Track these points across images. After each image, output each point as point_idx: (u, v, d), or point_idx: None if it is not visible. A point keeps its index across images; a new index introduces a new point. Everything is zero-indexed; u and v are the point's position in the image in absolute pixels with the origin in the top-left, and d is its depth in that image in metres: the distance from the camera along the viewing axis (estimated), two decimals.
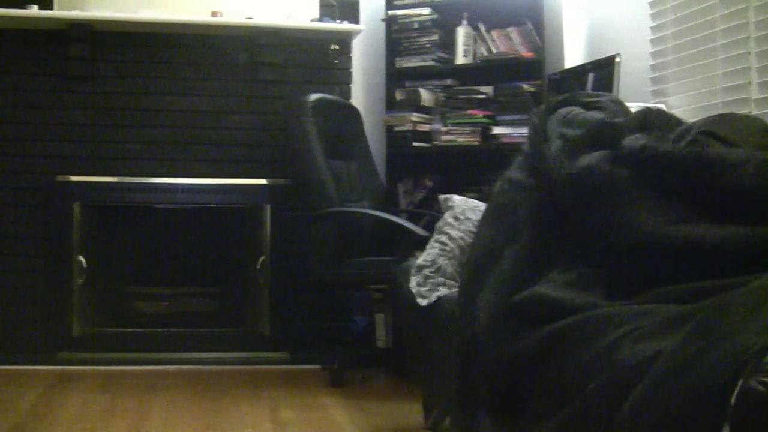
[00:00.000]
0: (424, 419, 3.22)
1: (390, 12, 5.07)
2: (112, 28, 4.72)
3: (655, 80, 4.18)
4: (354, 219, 4.44)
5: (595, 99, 2.44)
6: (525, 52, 4.84)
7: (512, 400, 1.81)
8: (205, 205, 4.91)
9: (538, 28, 4.83)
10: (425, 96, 4.95)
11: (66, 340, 4.62)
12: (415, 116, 4.90)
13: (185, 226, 5.10)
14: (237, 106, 4.89)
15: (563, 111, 2.36)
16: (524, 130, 4.07)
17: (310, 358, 4.63)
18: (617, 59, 4.06)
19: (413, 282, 2.73)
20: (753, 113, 3.37)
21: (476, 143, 4.83)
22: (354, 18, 5.05)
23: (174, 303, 5.08)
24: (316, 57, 4.99)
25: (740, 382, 1.19)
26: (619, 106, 2.42)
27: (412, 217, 4.65)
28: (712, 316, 1.35)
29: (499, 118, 4.80)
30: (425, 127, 4.96)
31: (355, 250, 4.31)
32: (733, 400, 1.19)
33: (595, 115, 2.31)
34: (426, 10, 4.98)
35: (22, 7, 4.50)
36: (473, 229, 2.49)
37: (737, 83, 3.56)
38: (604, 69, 4.17)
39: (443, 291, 2.64)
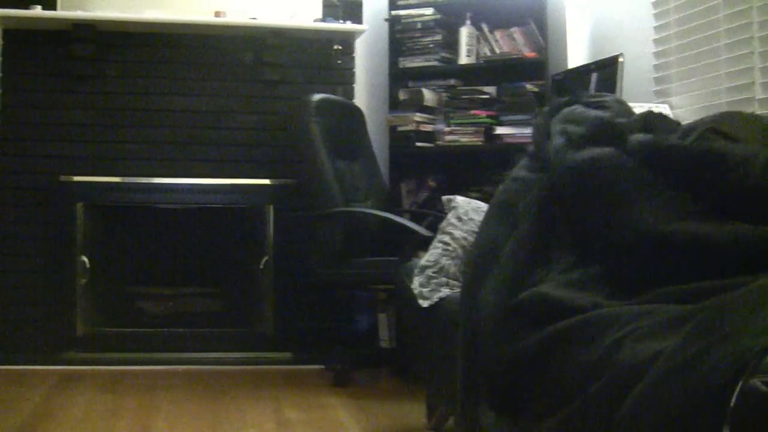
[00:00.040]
0: (427, 419, 3.23)
1: (393, 12, 5.07)
2: (115, 28, 4.72)
3: (658, 80, 4.18)
4: (357, 219, 4.44)
5: (599, 99, 2.44)
6: (528, 53, 4.84)
7: (513, 399, 1.81)
8: (208, 205, 4.91)
9: (541, 29, 4.83)
10: (428, 96, 4.95)
11: (69, 340, 4.62)
12: (418, 116, 4.90)
13: (188, 226, 5.10)
14: (240, 106, 4.90)
15: (567, 110, 2.36)
16: (528, 131, 4.08)
17: (313, 358, 4.64)
18: (620, 59, 4.05)
19: (416, 283, 2.73)
20: (757, 113, 3.37)
21: (479, 143, 4.83)
22: (357, 18, 5.05)
23: (177, 303, 5.08)
24: (319, 57, 5.00)
25: (740, 383, 1.19)
26: (623, 106, 2.42)
27: (415, 218, 4.65)
28: (713, 316, 1.35)
29: (503, 118, 4.79)
30: (428, 127, 4.96)
31: (358, 250, 4.31)
32: (733, 401, 1.19)
33: (599, 113, 2.31)
34: (429, 10, 4.98)
35: (26, 7, 4.50)
36: (476, 230, 2.49)
37: (741, 83, 3.56)
38: (607, 69, 4.17)
39: (445, 292, 2.64)
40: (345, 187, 4.45)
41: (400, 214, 4.59)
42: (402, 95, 5.03)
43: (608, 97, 2.46)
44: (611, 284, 1.82)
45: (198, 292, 5.15)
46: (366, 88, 5.23)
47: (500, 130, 4.75)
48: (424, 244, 3.16)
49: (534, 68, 4.83)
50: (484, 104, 4.87)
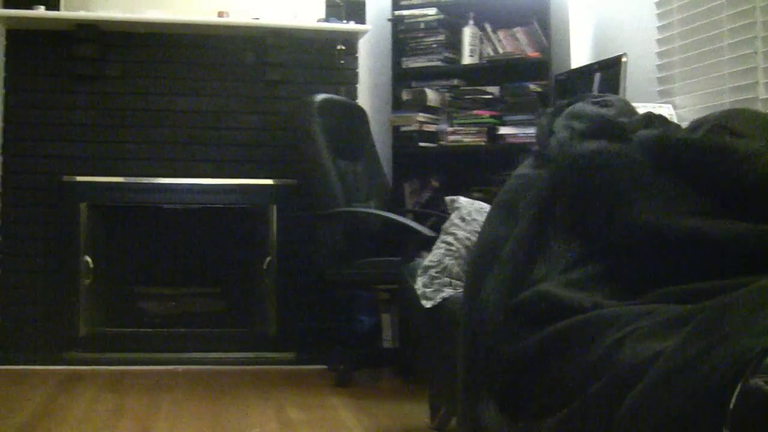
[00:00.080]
0: (430, 419, 3.23)
1: (396, 12, 5.07)
2: (118, 28, 4.73)
3: (661, 80, 4.17)
4: (360, 219, 4.44)
5: (603, 99, 2.44)
6: (531, 52, 4.84)
7: (513, 399, 1.81)
8: (211, 206, 4.92)
9: (545, 29, 4.83)
10: (431, 96, 4.95)
11: (72, 340, 4.63)
12: (421, 116, 4.90)
13: (191, 226, 5.10)
14: (243, 106, 4.90)
15: (571, 107, 2.36)
16: (531, 131, 4.08)
17: (316, 359, 4.64)
18: (624, 59, 4.05)
19: (419, 283, 2.73)
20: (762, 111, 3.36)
21: (482, 143, 4.83)
22: (360, 18, 5.05)
23: (180, 303, 5.08)
24: (322, 57, 5.00)
25: (740, 385, 1.18)
26: (627, 105, 2.42)
27: (419, 218, 4.65)
28: (713, 316, 1.34)
29: (506, 118, 4.79)
30: (431, 128, 4.95)
31: (361, 250, 4.31)
32: (732, 402, 1.18)
33: (603, 110, 2.31)
34: (432, 11, 4.98)
35: (29, 7, 4.51)
36: (479, 230, 2.49)
37: (744, 83, 3.55)
38: (610, 69, 4.16)
39: (448, 292, 2.64)
40: (348, 187, 4.45)
41: (403, 214, 4.58)
42: (405, 95, 5.03)
43: (612, 97, 2.46)
44: (612, 283, 1.82)
45: (200, 293, 5.16)
46: (369, 88, 5.23)
47: (503, 130, 4.75)
48: (427, 244, 3.17)
49: (537, 68, 4.83)
50: (487, 104, 4.87)
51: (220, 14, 4.81)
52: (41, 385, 4.03)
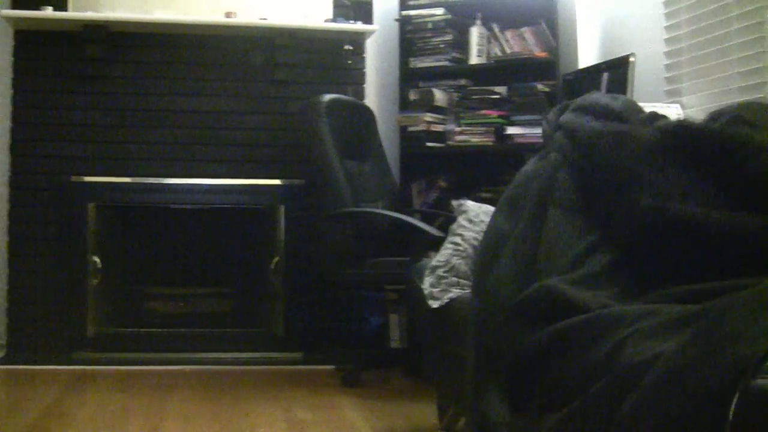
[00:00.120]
0: (438, 419, 3.22)
1: (403, 12, 5.07)
2: (126, 29, 4.74)
3: (669, 80, 4.17)
4: (368, 219, 4.44)
5: (611, 95, 2.44)
6: (539, 52, 4.83)
7: (517, 394, 1.81)
8: (219, 206, 4.92)
9: (552, 28, 4.82)
10: (439, 96, 4.95)
11: (81, 340, 4.64)
12: (428, 116, 4.90)
13: (199, 226, 5.11)
14: (250, 106, 4.90)
15: (580, 98, 2.37)
16: (539, 131, 4.08)
17: (323, 359, 4.64)
18: (631, 59, 4.04)
19: (426, 283, 2.73)
20: None
21: (490, 143, 4.83)
22: (367, 18, 5.06)
23: (188, 303, 5.09)
24: (329, 57, 5.00)
25: (739, 388, 1.18)
26: (634, 104, 2.42)
27: (426, 218, 4.64)
28: (714, 319, 1.34)
29: (513, 118, 4.79)
30: (439, 128, 4.95)
31: (369, 250, 4.30)
32: (732, 407, 1.18)
33: (611, 101, 2.31)
34: (440, 11, 4.98)
35: (38, 8, 4.52)
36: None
37: (753, 83, 3.54)
38: (618, 69, 4.15)
39: (456, 292, 2.64)
40: (355, 187, 4.44)
41: (410, 214, 4.58)
42: (412, 95, 5.02)
43: (619, 96, 2.46)
44: (619, 279, 1.82)
45: (208, 293, 5.16)
46: (376, 89, 5.23)
47: (511, 130, 4.75)
48: (435, 244, 3.16)
49: (545, 68, 4.82)
50: (495, 104, 4.86)
51: (228, 14, 4.81)
52: (49, 385, 4.04)
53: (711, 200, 1.78)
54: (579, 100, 2.33)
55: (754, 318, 1.28)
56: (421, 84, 5.07)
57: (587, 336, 1.61)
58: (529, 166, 2.28)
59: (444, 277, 2.71)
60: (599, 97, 2.33)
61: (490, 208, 2.91)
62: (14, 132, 4.67)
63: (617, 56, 4.25)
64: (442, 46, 4.99)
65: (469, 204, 2.96)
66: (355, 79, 5.04)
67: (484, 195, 4.66)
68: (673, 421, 1.26)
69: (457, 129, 4.91)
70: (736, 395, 1.18)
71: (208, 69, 4.87)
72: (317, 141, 4.35)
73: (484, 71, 5.01)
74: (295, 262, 4.86)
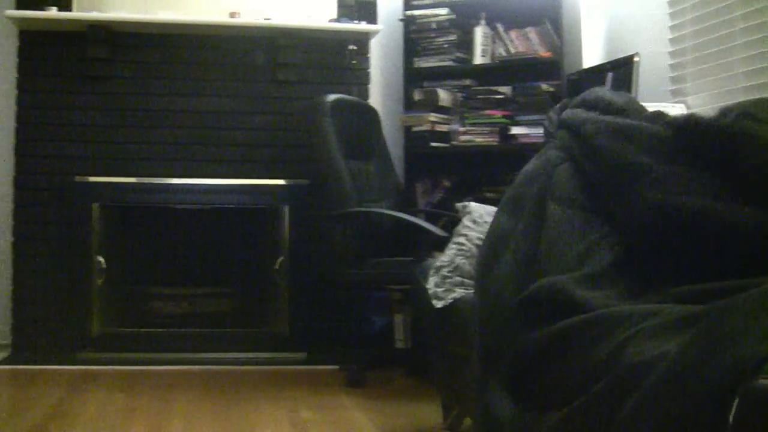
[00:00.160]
0: (443, 419, 3.22)
1: (408, 12, 5.07)
2: (130, 29, 4.74)
3: (674, 80, 4.16)
4: (372, 219, 4.43)
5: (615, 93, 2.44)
6: (543, 52, 4.83)
7: (521, 391, 1.81)
8: (223, 206, 4.93)
9: (556, 28, 4.82)
10: (443, 96, 4.95)
11: (85, 340, 4.64)
12: (433, 116, 4.90)
13: (204, 226, 5.11)
14: (255, 106, 4.91)
15: (583, 93, 2.37)
16: (542, 131, 4.08)
17: (328, 359, 4.64)
18: (636, 59, 4.04)
19: (431, 283, 2.73)
20: None
21: (494, 143, 4.82)
22: (372, 18, 5.06)
23: (193, 303, 5.09)
24: (334, 57, 5.00)
25: (740, 389, 1.18)
26: (638, 103, 2.42)
27: (430, 218, 4.65)
28: (716, 320, 1.34)
29: (518, 118, 4.79)
30: (443, 128, 4.95)
31: (373, 250, 4.30)
32: (733, 408, 1.18)
33: (614, 97, 2.31)
34: (444, 10, 4.98)
35: (42, 8, 4.52)
36: None
37: (757, 82, 3.53)
38: (622, 69, 4.15)
39: (460, 292, 2.64)
40: (360, 187, 4.44)
41: (414, 214, 4.58)
42: (417, 95, 5.03)
43: (622, 93, 2.46)
44: (624, 276, 1.82)
45: (213, 293, 5.17)
46: (381, 89, 5.23)
47: (515, 130, 4.75)
48: (440, 244, 3.16)
49: (549, 68, 4.82)
50: (499, 104, 4.86)
51: (232, 15, 4.81)
52: (54, 385, 4.04)
53: (718, 194, 1.78)
54: (582, 96, 2.33)
55: (756, 319, 1.28)
56: (425, 84, 5.07)
57: (588, 336, 1.61)
58: (531, 165, 2.28)
59: (448, 277, 2.71)
60: (603, 92, 2.33)
61: (494, 209, 2.91)
62: (19, 132, 4.68)
63: (622, 56, 4.26)
64: (446, 46, 4.99)
65: (473, 205, 2.96)
66: (360, 79, 5.04)
67: (488, 195, 4.66)
68: (673, 422, 1.26)
69: (462, 129, 4.91)
70: (737, 397, 1.18)
71: (212, 69, 4.87)
72: (321, 141, 4.35)
73: (488, 71, 5.01)
74: (300, 262, 4.86)
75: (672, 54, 4.17)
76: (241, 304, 5.19)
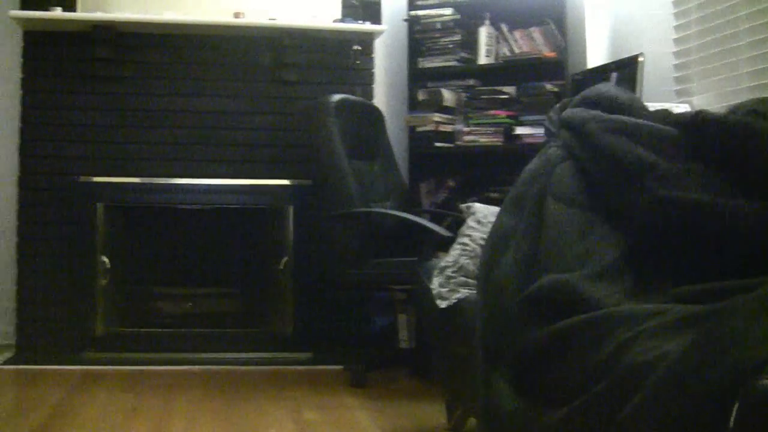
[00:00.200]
0: (446, 419, 3.22)
1: (412, 12, 5.07)
2: (135, 29, 4.74)
3: (679, 80, 4.16)
4: (376, 219, 4.43)
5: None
6: (547, 52, 4.83)
7: (524, 387, 1.81)
8: (228, 206, 4.92)
9: (561, 28, 4.81)
10: (447, 96, 4.95)
11: (89, 340, 4.64)
12: (437, 116, 4.89)
13: (208, 226, 5.11)
14: (259, 106, 4.91)
15: (585, 90, 2.37)
16: (543, 131, 4.08)
17: (332, 359, 4.64)
18: (640, 59, 4.03)
19: (435, 283, 2.73)
20: None
21: (499, 143, 4.82)
22: (376, 18, 5.06)
23: (197, 303, 5.09)
24: (338, 57, 5.00)
25: (741, 390, 1.18)
26: (641, 102, 2.41)
27: (435, 218, 4.64)
28: (718, 321, 1.34)
29: (522, 118, 4.79)
30: (448, 128, 4.95)
31: (377, 250, 4.30)
32: (734, 409, 1.18)
33: (619, 92, 2.31)
34: (448, 11, 4.98)
35: (46, 9, 4.53)
36: None
37: (763, 82, 3.53)
38: (627, 69, 4.15)
39: (464, 292, 2.63)
40: (364, 187, 4.44)
41: (419, 214, 4.58)
42: (421, 95, 5.02)
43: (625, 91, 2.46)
44: (624, 274, 1.81)
45: (217, 293, 5.17)
46: (385, 89, 5.23)
47: (519, 130, 4.74)
48: (444, 244, 3.16)
49: (553, 68, 4.81)
50: (504, 104, 4.86)
51: (237, 15, 4.82)
52: (58, 385, 4.05)
53: (723, 190, 1.78)
54: (582, 94, 2.32)
55: (756, 321, 1.28)
56: (429, 84, 5.07)
57: (588, 336, 1.61)
58: (532, 164, 2.28)
59: (452, 277, 2.71)
60: (606, 87, 2.32)
61: (498, 209, 2.92)
62: (23, 132, 4.69)
63: (626, 56, 4.25)
64: (450, 46, 4.99)
65: (477, 206, 2.96)
66: (364, 80, 5.04)
67: (492, 195, 4.66)
68: (674, 423, 1.26)
69: (466, 129, 4.91)
70: (738, 398, 1.18)
71: (216, 69, 4.87)
72: (326, 141, 4.34)
73: (492, 71, 5.01)
74: (304, 262, 4.86)
75: (677, 54, 4.17)
76: (244, 304, 5.19)
